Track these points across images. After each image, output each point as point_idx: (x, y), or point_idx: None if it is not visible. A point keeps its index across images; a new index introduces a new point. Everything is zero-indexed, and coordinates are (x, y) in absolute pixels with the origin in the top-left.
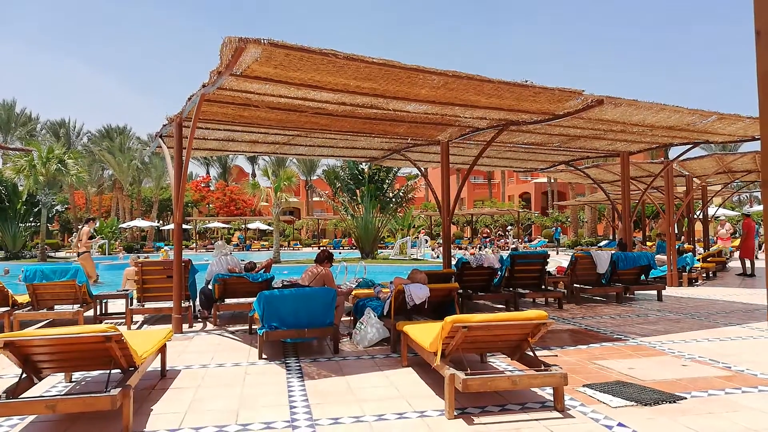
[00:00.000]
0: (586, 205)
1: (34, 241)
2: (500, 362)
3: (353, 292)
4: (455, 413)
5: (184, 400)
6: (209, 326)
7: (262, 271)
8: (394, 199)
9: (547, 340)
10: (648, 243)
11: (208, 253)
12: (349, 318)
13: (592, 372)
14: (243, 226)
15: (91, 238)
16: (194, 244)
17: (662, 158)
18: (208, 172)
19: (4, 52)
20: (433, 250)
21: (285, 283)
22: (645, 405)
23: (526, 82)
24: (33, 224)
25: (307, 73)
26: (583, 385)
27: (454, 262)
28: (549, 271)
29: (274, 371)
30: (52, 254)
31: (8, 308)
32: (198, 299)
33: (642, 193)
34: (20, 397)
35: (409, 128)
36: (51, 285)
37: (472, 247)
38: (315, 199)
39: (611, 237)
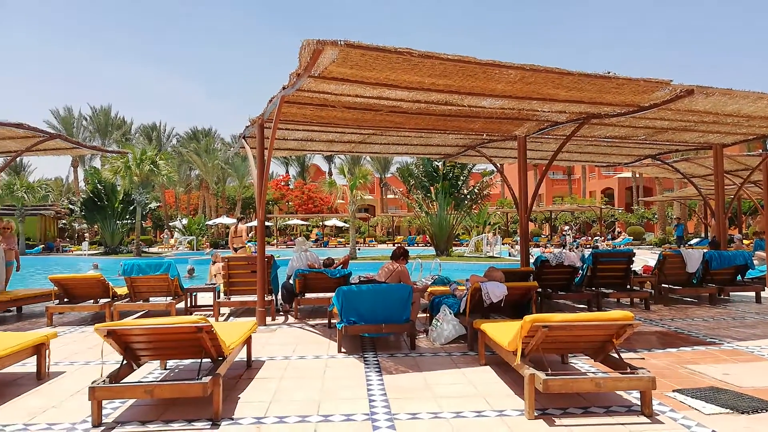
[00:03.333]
0: (675, 200)
1: (130, 237)
2: (582, 363)
3: (429, 289)
4: (535, 414)
5: (268, 390)
6: (290, 319)
7: (340, 267)
8: (468, 196)
9: (632, 342)
10: (745, 241)
11: (288, 248)
12: (424, 315)
13: (683, 376)
14: (320, 223)
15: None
16: (275, 241)
17: (760, 150)
18: (287, 171)
19: (104, 67)
20: (512, 247)
21: (362, 278)
22: (742, 413)
23: (609, 73)
24: (129, 221)
25: (383, 72)
26: (673, 390)
27: (532, 260)
28: (635, 271)
29: (352, 365)
30: (146, 249)
31: (109, 299)
32: (280, 293)
33: (738, 188)
34: (122, 382)
35: (485, 124)
36: (146, 278)
37: (551, 245)
38: (389, 196)
39: (703, 235)
